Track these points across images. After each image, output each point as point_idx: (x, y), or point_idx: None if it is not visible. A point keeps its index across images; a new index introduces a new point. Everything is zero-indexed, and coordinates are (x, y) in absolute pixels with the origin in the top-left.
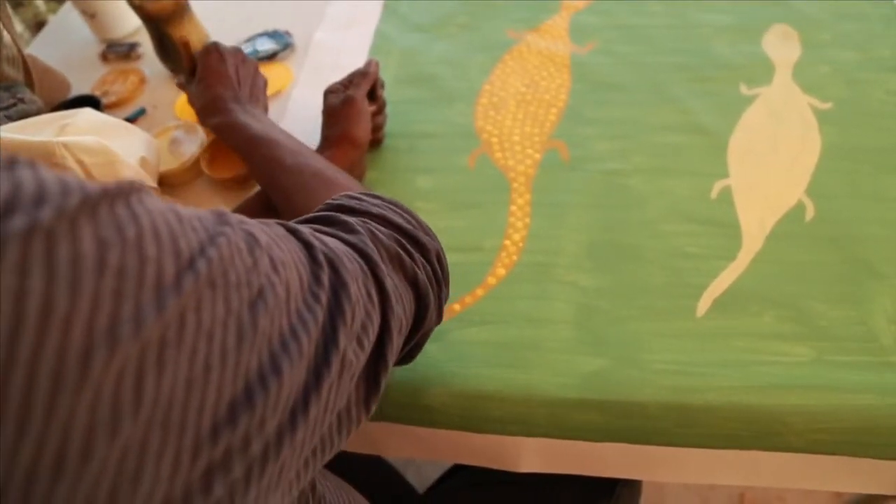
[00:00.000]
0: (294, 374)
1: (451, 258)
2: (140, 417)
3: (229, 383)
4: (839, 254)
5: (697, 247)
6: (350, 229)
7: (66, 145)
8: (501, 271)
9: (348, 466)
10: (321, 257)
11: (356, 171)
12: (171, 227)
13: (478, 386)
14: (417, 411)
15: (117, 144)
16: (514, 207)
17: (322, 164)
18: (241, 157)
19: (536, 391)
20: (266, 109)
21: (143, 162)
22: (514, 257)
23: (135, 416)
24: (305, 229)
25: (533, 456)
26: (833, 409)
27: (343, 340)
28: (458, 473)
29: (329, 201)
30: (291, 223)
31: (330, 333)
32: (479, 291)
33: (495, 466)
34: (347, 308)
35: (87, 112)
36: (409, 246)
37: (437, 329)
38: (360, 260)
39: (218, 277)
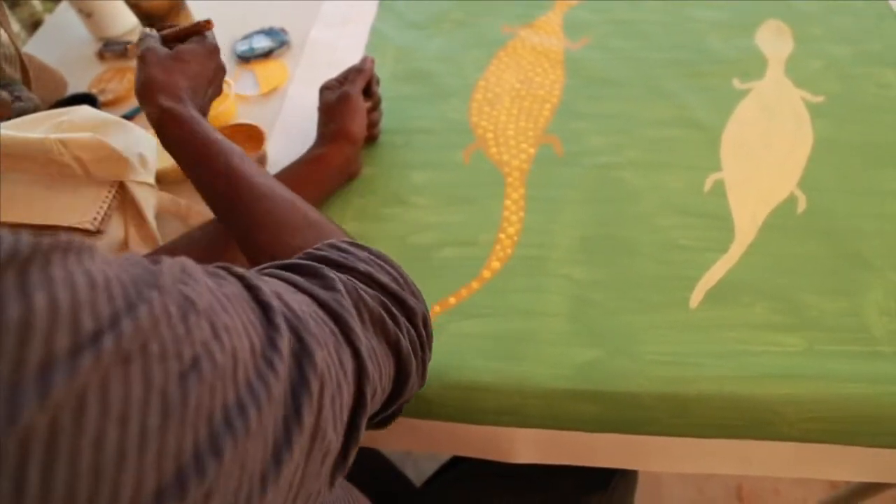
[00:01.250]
0: (239, 455)
1: (445, 252)
2: None
3: (152, 469)
4: (831, 246)
5: (690, 239)
6: (328, 285)
7: (63, 142)
8: (496, 265)
9: None
10: (280, 320)
11: (352, 167)
12: (76, 297)
13: (473, 378)
14: (413, 403)
15: (115, 141)
16: (508, 202)
17: (296, 198)
18: (187, 165)
19: (531, 382)
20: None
21: (141, 159)
22: (509, 251)
23: None
24: (267, 289)
25: (528, 447)
26: (824, 399)
27: (308, 417)
28: (455, 466)
29: (311, 251)
30: (253, 278)
31: (291, 409)
32: (475, 284)
33: (491, 457)
34: (313, 379)
35: (84, 109)
36: (394, 309)
37: (432, 322)
38: (331, 323)
39: (134, 351)
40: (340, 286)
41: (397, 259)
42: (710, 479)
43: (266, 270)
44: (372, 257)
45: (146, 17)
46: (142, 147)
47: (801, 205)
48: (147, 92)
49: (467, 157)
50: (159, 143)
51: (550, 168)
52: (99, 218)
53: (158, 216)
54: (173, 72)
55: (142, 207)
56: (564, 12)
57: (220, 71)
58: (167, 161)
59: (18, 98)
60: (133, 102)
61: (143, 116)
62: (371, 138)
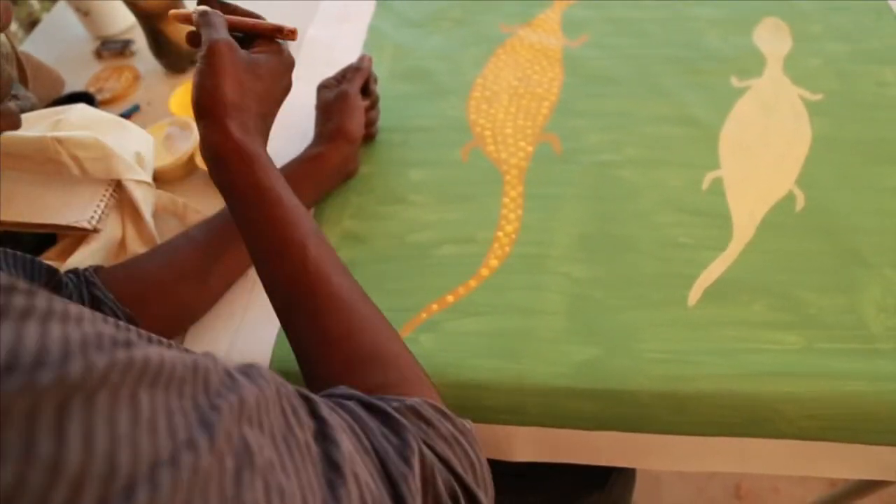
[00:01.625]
0: None
1: (444, 250)
2: None
3: None
4: (829, 243)
5: (689, 237)
6: (404, 456)
7: (59, 140)
8: (494, 262)
9: None
10: (348, 493)
11: (350, 166)
12: (117, 435)
13: (471, 376)
14: None
15: (112, 140)
16: (506, 199)
17: (379, 315)
18: (245, 214)
19: (529, 380)
20: None
21: (139, 158)
22: (507, 249)
23: None
24: (345, 448)
25: (526, 445)
26: (823, 396)
27: None
28: None
29: (398, 404)
30: (333, 427)
31: None
32: (473, 282)
33: (489, 456)
34: None
35: (81, 107)
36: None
37: (430, 320)
38: (390, 501)
39: None
40: (416, 462)
41: (395, 257)
42: (709, 477)
43: (349, 403)
44: (455, 433)
45: (144, 17)
46: (139, 146)
47: (800, 202)
48: (213, 108)
49: (465, 155)
50: (155, 142)
51: (549, 166)
52: (97, 217)
53: (156, 215)
54: (246, 91)
55: (139, 206)
56: (563, 10)
57: (287, 91)
58: (165, 160)
59: (16, 97)
60: (131, 101)
61: (140, 115)
62: (369, 137)
